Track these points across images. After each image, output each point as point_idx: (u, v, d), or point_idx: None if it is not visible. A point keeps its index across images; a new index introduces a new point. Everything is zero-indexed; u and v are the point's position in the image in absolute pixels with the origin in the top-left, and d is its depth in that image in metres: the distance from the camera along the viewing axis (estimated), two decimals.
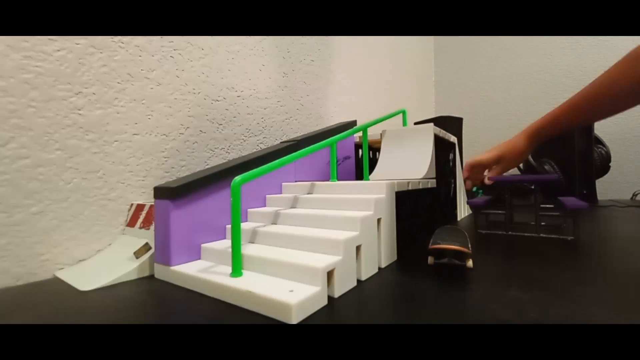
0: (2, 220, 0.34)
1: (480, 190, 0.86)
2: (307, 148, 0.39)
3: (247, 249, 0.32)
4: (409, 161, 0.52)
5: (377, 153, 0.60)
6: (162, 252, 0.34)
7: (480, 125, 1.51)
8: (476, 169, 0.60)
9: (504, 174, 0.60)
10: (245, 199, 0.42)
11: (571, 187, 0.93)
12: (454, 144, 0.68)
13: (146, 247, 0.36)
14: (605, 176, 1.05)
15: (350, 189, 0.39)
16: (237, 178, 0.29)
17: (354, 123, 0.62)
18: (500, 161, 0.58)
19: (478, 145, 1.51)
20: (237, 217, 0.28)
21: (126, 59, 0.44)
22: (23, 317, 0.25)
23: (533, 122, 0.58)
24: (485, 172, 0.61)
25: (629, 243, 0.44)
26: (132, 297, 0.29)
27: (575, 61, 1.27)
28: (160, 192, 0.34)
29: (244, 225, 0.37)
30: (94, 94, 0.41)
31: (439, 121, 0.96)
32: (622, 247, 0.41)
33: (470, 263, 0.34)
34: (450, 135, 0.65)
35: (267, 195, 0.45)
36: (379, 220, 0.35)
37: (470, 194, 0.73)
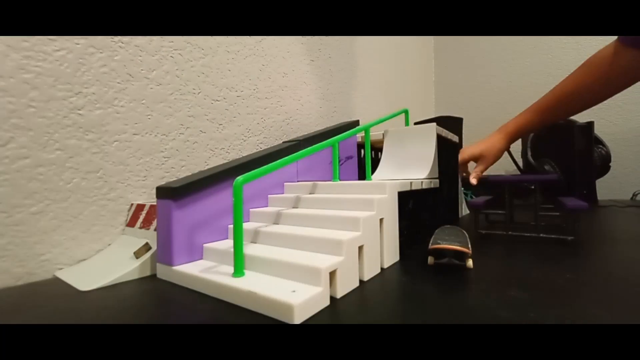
0: (2, 220, 0.34)
1: (468, 191, 0.81)
2: (309, 148, 0.39)
3: (249, 249, 0.32)
4: (411, 161, 0.52)
5: (380, 153, 0.60)
6: (164, 252, 0.34)
7: (480, 125, 1.51)
8: (461, 168, 0.62)
9: (483, 172, 0.62)
10: (247, 198, 0.42)
11: (571, 187, 0.93)
12: (456, 144, 0.68)
13: (146, 247, 0.36)
14: (605, 176, 1.05)
15: (353, 189, 0.39)
16: (239, 178, 0.29)
17: (356, 123, 0.62)
18: (480, 159, 0.61)
19: None
20: (239, 217, 0.28)
21: (126, 59, 0.44)
22: (23, 317, 0.25)
23: (509, 122, 0.63)
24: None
25: (629, 243, 0.44)
26: (133, 297, 0.29)
27: (575, 61, 1.27)
28: (162, 192, 0.34)
29: (246, 225, 0.37)
30: (94, 94, 0.41)
31: (439, 121, 0.96)
32: (622, 247, 0.42)
33: (470, 263, 0.34)
34: (453, 135, 0.65)
35: (269, 195, 0.45)
36: (381, 220, 0.35)
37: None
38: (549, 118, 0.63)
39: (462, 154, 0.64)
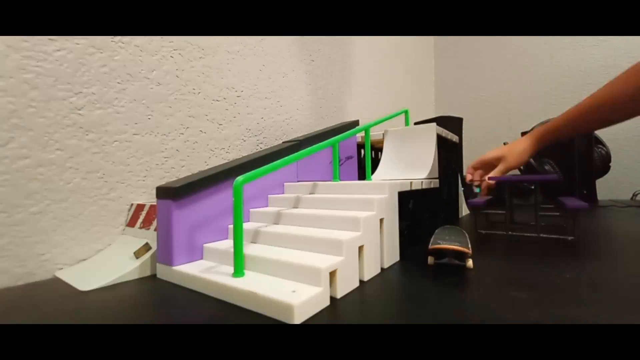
0: (2, 220, 0.33)
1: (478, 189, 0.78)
2: (309, 148, 0.39)
3: (249, 249, 0.32)
4: (411, 161, 0.52)
5: (380, 153, 0.60)
6: (165, 252, 0.34)
7: (480, 125, 1.51)
8: (479, 169, 0.60)
9: (505, 174, 0.60)
10: (247, 198, 0.42)
11: (571, 187, 0.93)
12: (456, 144, 0.68)
13: (146, 247, 0.36)
14: (605, 176, 1.05)
15: (353, 189, 0.39)
16: (240, 178, 0.29)
17: (356, 123, 0.62)
18: (501, 160, 0.58)
19: (478, 145, 1.51)
20: (239, 217, 0.28)
21: (126, 59, 0.44)
22: (23, 317, 0.25)
23: (540, 127, 0.59)
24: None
25: (629, 243, 0.44)
26: (133, 297, 0.29)
27: (575, 61, 1.27)
28: (163, 192, 0.34)
29: (246, 225, 0.37)
30: (94, 94, 0.41)
31: (439, 121, 0.96)
32: (622, 247, 0.42)
33: (470, 263, 0.34)
34: (453, 135, 0.65)
35: (269, 195, 0.45)
36: (381, 220, 0.35)
37: (472, 194, 0.70)
38: (582, 126, 0.56)
39: (484, 155, 0.59)
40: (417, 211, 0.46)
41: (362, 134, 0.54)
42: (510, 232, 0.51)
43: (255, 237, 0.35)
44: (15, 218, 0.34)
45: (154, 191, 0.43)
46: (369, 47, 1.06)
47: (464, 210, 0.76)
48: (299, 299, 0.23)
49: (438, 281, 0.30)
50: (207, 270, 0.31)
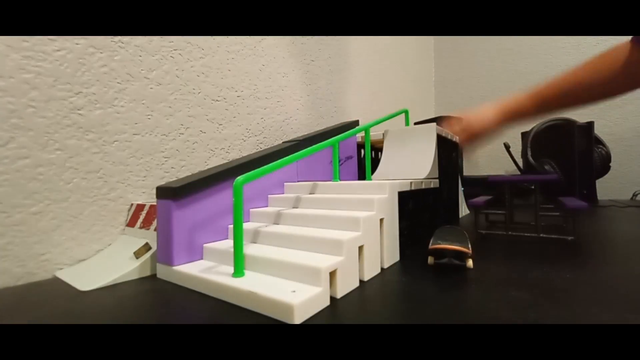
0: (2, 220, 0.34)
1: None
2: (309, 148, 0.39)
3: (249, 249, 0.32)
4: (411, 161, 0.52)
5: (380, 153, 0.60)
6: (164, 252, 0.34)
7: None
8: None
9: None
10: (247, 198, 0.42)
11: (571, 187, 0.93)
12: (456, 144, 0.68)
13: (146, 247, 0.36)
14: (605, 176, 1.05)
15: (353, 189, 0.39)
16: (240, 178, 0.29)
17: (356, 123, 0.62)
18: (464, 131, 0.55)
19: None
20: (239, 217, 0.28)
21: (126, 59, 0.44)
22: (23, 317, 0.25)
23: (506, 103, 0.56)
24: None
25: (629, 243, 0.44)
26: (133, 297, 0.29)
27: (575, 61, 1.27)
28: (163, 192, 0.34)
29: (246, 225, 0.37)
30: (94, 94, 0.41)
31: (439, 121, 0.97)
32: (622, 247, 0.42)
33: (470, 263, 0.34)
34: (453, 135, 0.65)
35: (269, 195, 0.45)
36: (381, 220, 0.35)
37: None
38: (544, 110, 0.55)
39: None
40: (417, 211, 0.46)
41: (362, 134, 0.54)
42: (510, 232, 0.51)
43: (255, 237, 0.35)
44: (15, 218, 0.34)
45: (154, 191, 0.43)
46: (369, 47, 1.06)
47: (464, 210, 0.76)
48: (299, 299, 0.23)
49: (438, 281, 0.30)
50: (207, 270, 0.31)
